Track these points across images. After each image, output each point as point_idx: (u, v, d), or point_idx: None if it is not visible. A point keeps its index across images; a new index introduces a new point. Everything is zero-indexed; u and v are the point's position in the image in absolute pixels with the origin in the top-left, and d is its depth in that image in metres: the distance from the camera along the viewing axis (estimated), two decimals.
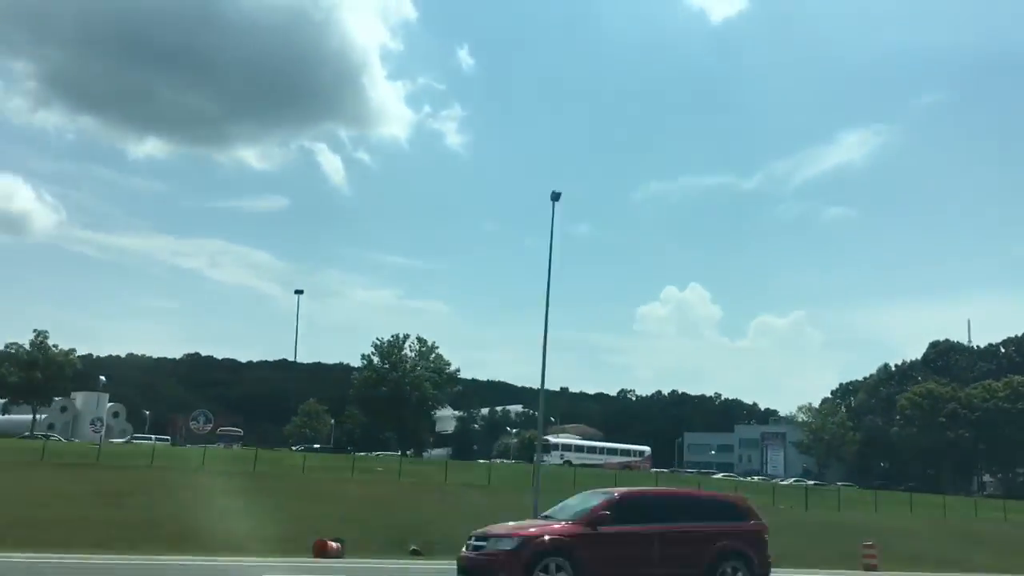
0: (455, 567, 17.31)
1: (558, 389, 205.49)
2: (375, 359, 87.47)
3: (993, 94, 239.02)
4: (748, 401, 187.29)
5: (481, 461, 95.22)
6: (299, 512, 32.24)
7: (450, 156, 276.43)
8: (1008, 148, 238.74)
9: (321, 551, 24.03)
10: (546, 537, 15.95)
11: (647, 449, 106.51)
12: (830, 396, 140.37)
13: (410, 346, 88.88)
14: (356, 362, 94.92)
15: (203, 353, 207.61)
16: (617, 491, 18.56)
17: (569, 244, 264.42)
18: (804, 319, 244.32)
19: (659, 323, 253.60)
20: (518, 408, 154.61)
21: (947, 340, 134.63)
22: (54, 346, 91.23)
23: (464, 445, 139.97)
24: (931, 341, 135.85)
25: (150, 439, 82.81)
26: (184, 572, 20.20)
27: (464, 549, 17.02)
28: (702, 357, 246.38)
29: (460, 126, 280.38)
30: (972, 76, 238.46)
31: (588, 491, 19.51)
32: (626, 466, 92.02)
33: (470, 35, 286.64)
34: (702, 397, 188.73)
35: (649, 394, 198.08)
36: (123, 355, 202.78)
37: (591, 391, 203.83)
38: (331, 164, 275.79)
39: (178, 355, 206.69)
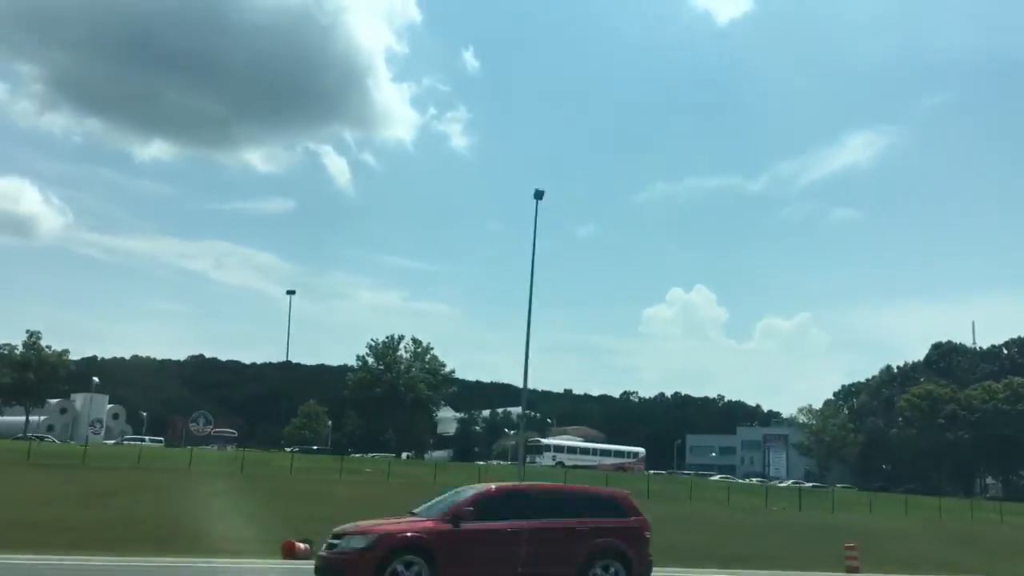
0: None
1: (561, 391, 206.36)
2: (370, 360, 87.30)
3: (999, 95, 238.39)
4: (751, 403, 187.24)
5: (479, 463, 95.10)
6: (280, 513, 32.06)
7: (455, 158, 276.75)
8: (1014, 149, 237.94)
9: (289, 552, 23.79)
10: (400, 535, 15.03)
11: (641, 450, 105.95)
12: (832, 398, 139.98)
13: (405, 347, 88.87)
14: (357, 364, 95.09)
15: (207, 355, 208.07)
16: (486, 486, 17.71)
17: (574, 246, 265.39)
18: (810, 321, 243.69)
19: (665, 325, 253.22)
20: (519, 410, 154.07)
21: (949, 341, 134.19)
22: (47, 347, 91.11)
23: (465, 447, 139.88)
24: (933, 342, 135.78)
25: (143, 440, 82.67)
26: (136, 573, 20.03)
27: (323, 548, 15.93)
28: (708, 359, 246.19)
29: (465, 128, 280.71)
30: (978, 78, 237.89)
31: (464, 487, 18.46)
32: (620, 467, 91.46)
33: (475, 37, 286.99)
34: (705, 399, 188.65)
35: (652, 396, 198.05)
36: (128, 357, 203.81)
37: (595, 393, 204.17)
38: (336, 166, 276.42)
39: (183, 357, 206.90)
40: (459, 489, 17.87)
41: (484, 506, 15.84)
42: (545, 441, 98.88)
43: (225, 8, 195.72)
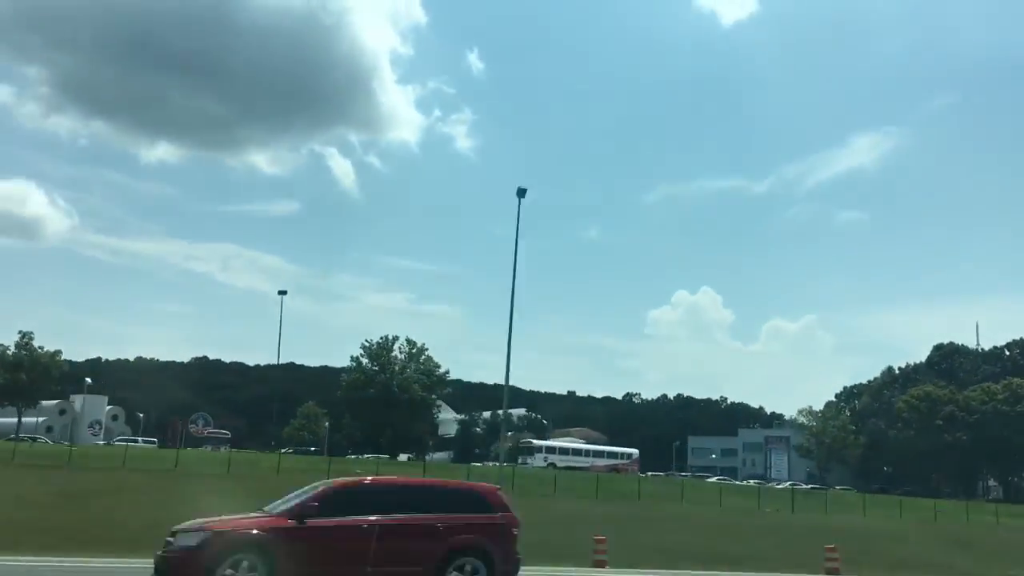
0: None
1: (565, 393, 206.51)
2: (364, 361, 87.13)
3: (1005, 97, 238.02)
4: (756, 405, 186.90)
5: (475, 464, 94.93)
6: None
7: (460, 160, 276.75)
8: (1019, 151, 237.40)
9: None
10: (233, 533, 14.17)
11: (635, 452, 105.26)
12: (834, 400, 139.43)
13: (399, 348, 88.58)
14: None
15: (211, 357, 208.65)
16: (337, 480, 16.92)
17: (580, 248, 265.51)
18: (816, 323, 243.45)
19: (670, 327, 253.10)
20: (521, 411, 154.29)
21: (951, 343, 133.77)
22: (40, 347, 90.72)
23: (466, 448, 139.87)
24: (935, 344, 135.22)
25: (136, 441, 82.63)
26: (106, 574, 19.88)
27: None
28: (713, 361, 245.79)
29: (470, 130, 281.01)
30: (984, 79, 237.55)
31: (318, 482, 17.33)
32: (613, 468, 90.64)
33: (480, 39, 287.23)
34: (708, 401, 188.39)
35: (654, 398, 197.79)
36: (131, 359, 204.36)
37: (599, 395, 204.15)
38: (342, 168, 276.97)
39: (186, 358, 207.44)
40: (313, 484, 16.82)
41: (333, 501, 15.03)
42: (537, 442, 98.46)
43: (230, 10, 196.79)
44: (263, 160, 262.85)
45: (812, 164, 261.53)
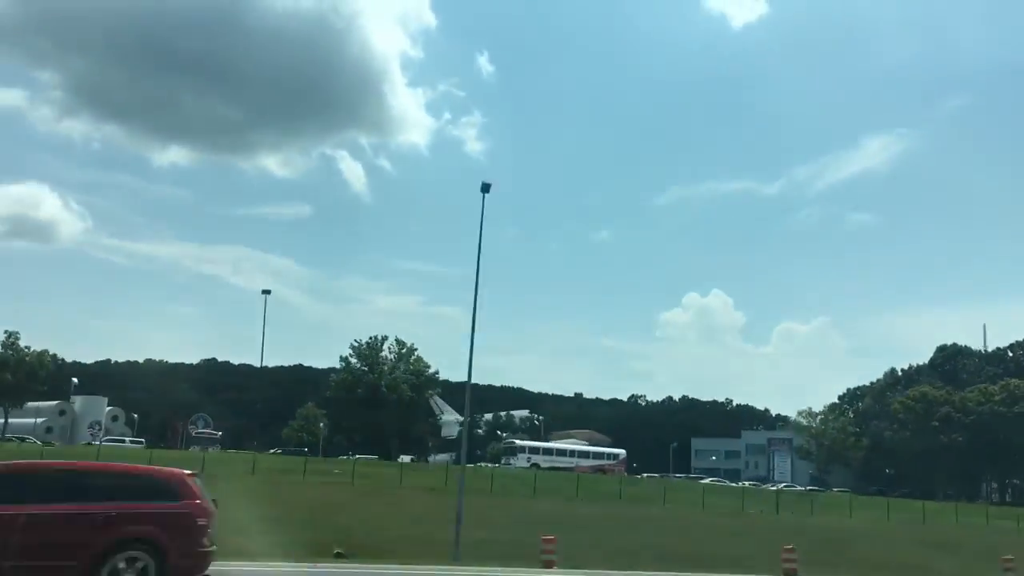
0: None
1: (571, 395, 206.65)
2: (353, 361, 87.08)
3: (1016, 99, 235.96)
4: (767, 407, 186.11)
5: (470, 465, 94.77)
6: (224, 515, 31.89)
7: (470, 163, 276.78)
8: None
9: None
10: None
11: (622, 452, 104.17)
12: (837, 401, 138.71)
13: (389, 348, 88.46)
14: None
15: (220, 358, 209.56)
16: None
17: (591, 250, 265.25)
18: (828, 325, 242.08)
19: (681, 329, 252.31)
20: (523, 413, 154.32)
21: (954, 344, 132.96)
22: (27, 347, 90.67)
23: (467, 450, 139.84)
24: (938, 345, 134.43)
25: (123, 441, 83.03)
26: None
27: None
28: (724, 363, 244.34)
29: (480, 133, 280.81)
30: (995, 81, 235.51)
31: None
32: (599, 469, 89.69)
33: (490, 42, 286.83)
34: (713, 402, 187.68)
35: (660, 400, 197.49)
36: (141, 361, 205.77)
37: (608, 397, 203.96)
38: (352, 171, 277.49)
39: (196, 360, 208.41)
40: None
41: None
42: (520, 443, 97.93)
43: (241, 14, 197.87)
44: (274, 163, 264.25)
45: (823, 166, 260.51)
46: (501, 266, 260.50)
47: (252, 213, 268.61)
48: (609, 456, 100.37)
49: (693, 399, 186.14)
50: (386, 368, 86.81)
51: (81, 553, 13.74)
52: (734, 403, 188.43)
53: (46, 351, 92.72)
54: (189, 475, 15.73)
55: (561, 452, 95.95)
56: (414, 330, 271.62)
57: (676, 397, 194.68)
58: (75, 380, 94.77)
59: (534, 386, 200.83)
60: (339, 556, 28.77)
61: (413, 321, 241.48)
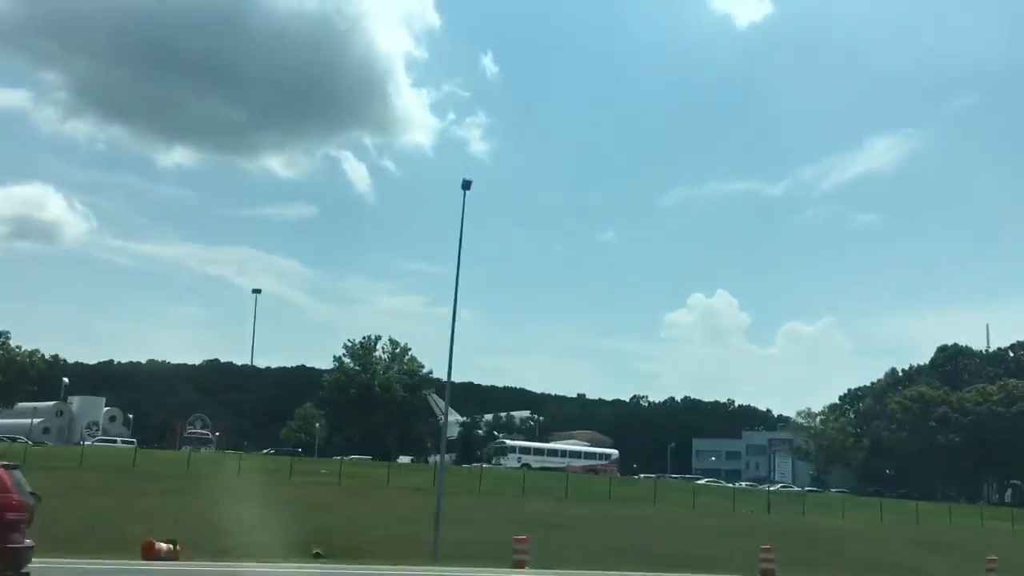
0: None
1: (574, 396, 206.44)
2: (346, 361, 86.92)
3: (1021, 100, 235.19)
4: (771, 409, 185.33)
5: (466, 466, 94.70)
6: (201, 516, 31.89)
7: (475, 163, 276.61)
8: None
9: (148, 552, 23.15)
10: None
11: (614, 452, 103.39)
12: (838, 402, 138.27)
13: (382, 348, 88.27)
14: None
15: (223, 359, 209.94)
16: None
17: (595, 250, 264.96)
18: (834, 326, 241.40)
19: (686, 330, 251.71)
20: (524, 414, 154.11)
21: (955, 344, 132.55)
22: (17, 347, 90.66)
23: (467, 450, 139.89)
24: (939, 345, 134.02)
25: (115, 442, 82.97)
26: None
27: None
28: (729, 364, 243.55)
29: (484, 133, 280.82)
30: (1002, 81, 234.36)
31: None
32: (591, 469, 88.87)
33: (494, 42, 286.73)
34: (715, 403, 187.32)
35: (662, 400, 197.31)
36: (143, 361, 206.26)
37: (611, 398, 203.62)
38: (356, 172, 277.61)
39: (198, 361, 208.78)
40: None
41: None
42: (510, 443, 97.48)
43: (245, 15, 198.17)
44: (278, 164, 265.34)
45: (828, 166, 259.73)
46: (505, 267, 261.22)
47: (256, 214, 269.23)
48: (601, 456, 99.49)
49: (695, 400, 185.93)
50: (379, 368, 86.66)
51: None
52: (736, 404, 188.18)
53: (37, 351, 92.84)
54: (14, 467, 15.03)
55: (552, 452, 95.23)
56: (418, 331, 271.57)
57: (679, 398, 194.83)
58: (66, 380, 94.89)
59: (537, 387, 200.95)
60: (317, 556, 28.83)
61: (417, 322, 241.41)
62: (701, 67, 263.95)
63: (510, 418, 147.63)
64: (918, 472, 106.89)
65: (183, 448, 79.53)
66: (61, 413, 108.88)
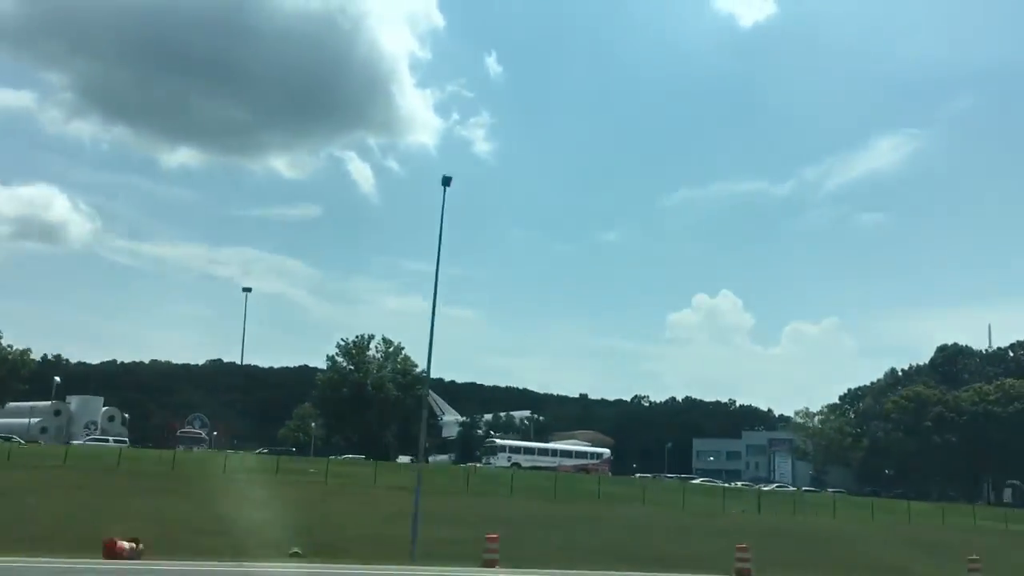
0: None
1: (577, 396, 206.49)
2: (339, 360, 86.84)
3: None
4: (773, 409, 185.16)
5: (460, 465, 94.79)
6: (178, 515, 31.86)
7: (479, 163, 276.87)
8: None
9: (110, 551, 22.70)
10: None
11: (606, 451, 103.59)
12: (838, 402, 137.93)
13: (376, 347, 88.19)
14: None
15: (227, 359, 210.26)
16: None
17: (599, 251, 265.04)
18: (838, 326, 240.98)
19: (690, 330, 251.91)
20: (524, 413, 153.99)
21: (955, 344, 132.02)
22: (8, 346, 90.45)
23: (467, 450, 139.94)
24: (938, 345, 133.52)
25: (107, 441, 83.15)
26: None
27: None
28: (734, 364, 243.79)
29: (488, 133, 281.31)
30: (1005, 82, 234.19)
31: None
32: (582, 469, 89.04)
33: (498, 42, 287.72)
34: (716, 403, 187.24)
35: (663, 400, 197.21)
36: (147, 361, 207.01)
37: (613, 398, 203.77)
38: (361, 172, 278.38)
39: (201, 361, 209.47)
40: None
41: None
42: (500, 442, 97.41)
43: (250, 16, 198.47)
44: (283, 164, 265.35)
45: (832, 166, 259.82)
46: (508, 267, 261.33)
47: (261, 214, 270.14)
48: (592, 456, 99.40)
49: (696, 399, 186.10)
50: (372, 367, 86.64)
51: None
52: (737, 403, 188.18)
53: (28, 350, 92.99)
54: None
55: (543, 451, 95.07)
56: (422, 330, 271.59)
57: (680, 398, 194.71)
58: (57, 379, 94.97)
59: (540, 387, 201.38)
60: (295, 555, 28.72)
61: (421, 321, 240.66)
62: (705, 67, 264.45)
63: (510, 418, 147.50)
64: (915, 472, 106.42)
65: (178, 447, 79.55)
66: (59, 413, 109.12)
